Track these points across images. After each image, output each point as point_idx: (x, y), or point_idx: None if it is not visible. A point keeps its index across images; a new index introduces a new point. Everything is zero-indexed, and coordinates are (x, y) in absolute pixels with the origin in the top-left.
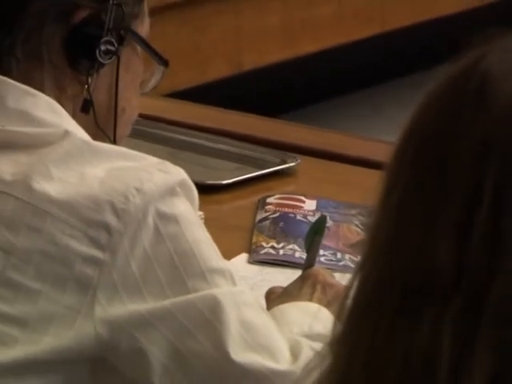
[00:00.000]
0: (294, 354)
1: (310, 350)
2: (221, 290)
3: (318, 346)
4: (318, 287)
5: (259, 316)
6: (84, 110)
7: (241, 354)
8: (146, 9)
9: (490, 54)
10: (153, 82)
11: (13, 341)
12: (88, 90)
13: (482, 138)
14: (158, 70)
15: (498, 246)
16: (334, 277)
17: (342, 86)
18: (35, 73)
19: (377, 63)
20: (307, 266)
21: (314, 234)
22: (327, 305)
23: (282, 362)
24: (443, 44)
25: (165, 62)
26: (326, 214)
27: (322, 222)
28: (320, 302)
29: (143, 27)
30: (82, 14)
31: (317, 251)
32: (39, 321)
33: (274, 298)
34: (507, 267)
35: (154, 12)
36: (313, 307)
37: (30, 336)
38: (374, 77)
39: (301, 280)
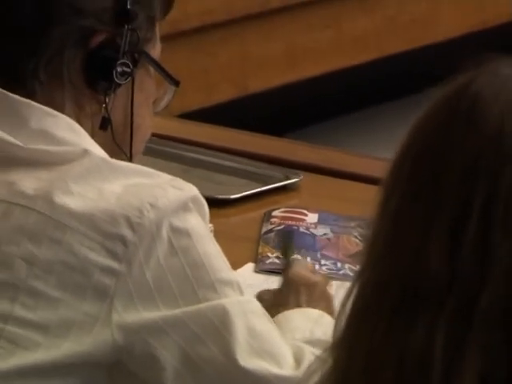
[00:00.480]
0: (297, 359)
1: (311, 355)
2: (229, 300)
3: (319, 351)
4: (302, 289)
5: (265, 324)
6: (103, 128)
7: (248, 361)
8: (157, 33)
9: (481, 77)
10: (165, 101)
11: (35, 345)
12: (106, 108)
13: (473, 155)
14: (170, 89)
15: (487, 256)
16: (313, 269)
17: (342, 107)
18: (57, 93)
19: (373, 86)
20: (286, 268)
21: (288, 243)
22: (316, 304)
23: (286, 368)
24: (436, 68)
25: (176, 82)
26: (327, 226)
27: (290, 234)
28: (309, 305)
29: (155, 50)
30: (99, 39)
31: (292, 255)
32: (60, 327)
33: (265, 306)
34: (495, 277)
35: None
36: (314, 313)
37: (51, 341)
38: (371, 98)
39: (285, 287)
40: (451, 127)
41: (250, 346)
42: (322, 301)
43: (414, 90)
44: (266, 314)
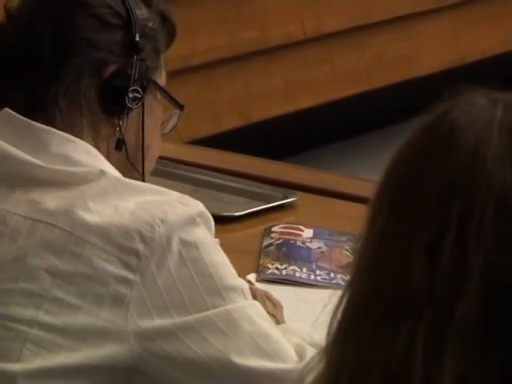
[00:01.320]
0: (300, 355)
1: (312, 351)
2: (235, 306)
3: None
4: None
5: (267, 325)
6: (118, 148)
7: (253, 360)
8: (162, 63)
9: (457, 106)
10: (171, 124)
11: (58, 348)
12: (120, 131)
13: (449, 177)
14: (176, 113)
15: (462, 272)
16: (269, 296)
17: (335, 135)
18: (75, 118)
19: (363, 116)
20: None
21: None
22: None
23: (290, 362)
24: (418, 99)
25: (180, 107)
26: (321, 240)
27: None
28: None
29: (161, 78)
30: (111, 69)
31: None
32: (80, 331)
33: None
34: (470, 290)
35: (178, 73)
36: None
37: (72, 344)
38: (360, 127)
39: None
40: (430, 153)
41: (256, 347)
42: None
43: (399, 119)
44: (268, 315)
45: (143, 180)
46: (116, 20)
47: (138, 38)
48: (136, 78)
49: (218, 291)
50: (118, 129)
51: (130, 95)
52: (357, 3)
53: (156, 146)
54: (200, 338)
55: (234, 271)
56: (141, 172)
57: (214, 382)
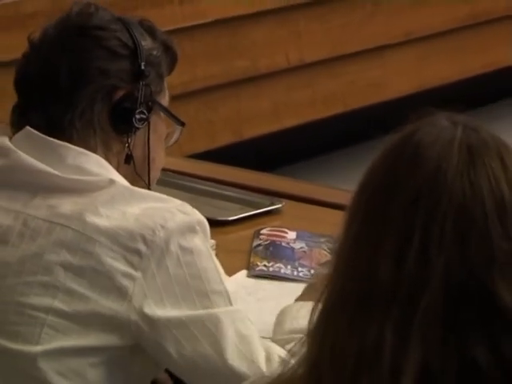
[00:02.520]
0: (267, 357)
1: (277, 354)
2: (222, 310)
3: (286, 346)
4: None
5: (248, 329)
6: (127, 162)
7: (235, 360)
8: (166, 86)
9: (422, 127)
10: (174, 138)
11: (71, 331)
12: (129, 147)
13: (415, 190)
14: (178, 129)
15: (425, 269)
16: None
17: (316, 151)
18: (89, 137)
19: (340, 134)
20: None
21: None
22: None
23: (260, 364)
24: (388, 120)
25: (182, 123)
26: (303, 241)
27: None
28: None
29: (165, 99)
30: (120, 93)
31: None
32: (90, 318)
33: None
34: (432, 288)
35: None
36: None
37: (82, 328)
38: (338, 144)
39: None
40: (398, 169)
41: (237, 348)
42: None
43: (371, 137)
44: (249, 319)
45: (149, 188)
46: (124, 51)
47: (143, 67)
48: (142, 101)
49: (206, 293)
50: (126, 145)
51: (137, 116)
52: (333, 37)
53: (160, 158)
54: (189, 333)
55: (222, 276)
56: (146, 182)
57: (196, 372)
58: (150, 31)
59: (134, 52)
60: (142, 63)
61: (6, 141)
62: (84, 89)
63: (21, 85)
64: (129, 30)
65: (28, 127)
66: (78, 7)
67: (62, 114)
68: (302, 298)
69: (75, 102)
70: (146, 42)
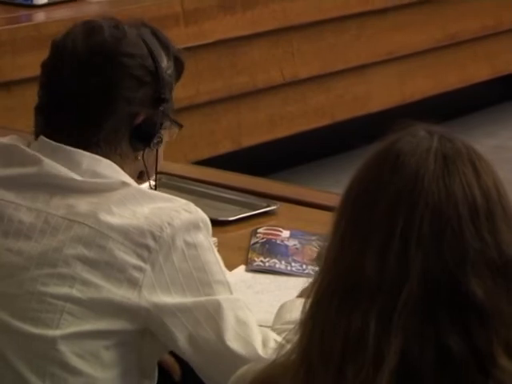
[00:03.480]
0: (264, 342)
1: (273, 339)
2: (223, 297)
3: (278, 331)
4: None
5: (246, 315)
6: (140, 178)
7: (233, 342)
8: (173, 99)
9: (402, 137)
10: (172, 137)
11: (87, 317)
12: (144, 163)
13: (396, 194)
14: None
15: (405, 265)
16: None
17: (307, 158)
18: (110, 153)
19: (329, 143)
20: None
21: None
22: None
23: (257, 348)
24: (372, 130)
25: (180, 126)
26: (296, 239)
27: None
28: None
29: (172, 107)
30: (141, 118)
31: None
32: (104, 305)
33: None
34: (411, 282)
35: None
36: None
37: (97, 315)
38: (328, 152)
39: None
40: (381, 175)
41: (236, 332)
42: None
43: (357, 146)
44: (247, 307)
45: (155, 189)
46: (148, 78)
47: (163, 95)
48: (160, 125)
49: (209, 283)
50: (141, 158)
51: (155, 140)
52: (323, 56)
53: (162, 160)
54: (193, 318)
55: (223, 268)
56: (153, 186)
57: (200, 354)
58: (164, 45)
59: (156, 78)
60: (161, 91)
61: (25, 147)
62: (111, 115)
63: (50, 93)
64: (152, 54)
65: (42, 137)
66: (108, 25)
67: (89, 137)
68: (302, 294)
69: (101, 129)
70: (164, 62)
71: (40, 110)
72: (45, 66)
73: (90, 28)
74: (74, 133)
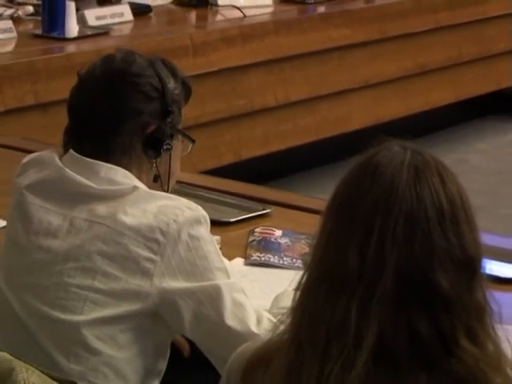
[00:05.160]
0: (258, 321)
1: (267, 319)
2: (222, 282)
3: (274, 315)
4: None
5: (242, 297)
6: (155, 181)
7: (231, 321)
8: (182, 113)
9: (380, 151)
10: (187, 151)
11: (107, 304)
12: (157, 168)
13: (374, 200)
14: (189, 145)
15: (382, 260)
16: None
17: (297, 169)
18: (126, 161)
19: (316, 156)
20: None
21: None
22: None
23: (252, 327)
24: (354, 144)
25: (193, 141)
26: (287, 237)
27: None
28: None
29: (181, 122)
30: (151, 128)
31: None
32: (121, 293)
33: None
34: (386, 276)
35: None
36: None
37: (116, 302)
38: (314, 164)
39: None
40: (361, 183)
41: (233, 312)
42: None
43: (339, 159)
44: (243, 290)
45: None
46: (155, 94)
47: (170, 107)
48: (168, 134)
49: (211, 269)
50: (154, 165)
51: (164, 147)
52: (310, 82)
53: (178, 171)
54: (197, 299)
55: (222, 257)
56: (166, 189)
57: (203, 331)
58: (172, 72)
59: (163, 95)
60: (168, 103)
61: (56, 159)
62: (125, 125)
63: (74, 115)
64: (159, 76)
65: (72, 151)
66: (122, 53)
67: (106, 147)
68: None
69: (118, 137)
70: (171, 84)
71: (67, 129)
72: (70, 93)
73: (106, 57)
74: (94, 145)
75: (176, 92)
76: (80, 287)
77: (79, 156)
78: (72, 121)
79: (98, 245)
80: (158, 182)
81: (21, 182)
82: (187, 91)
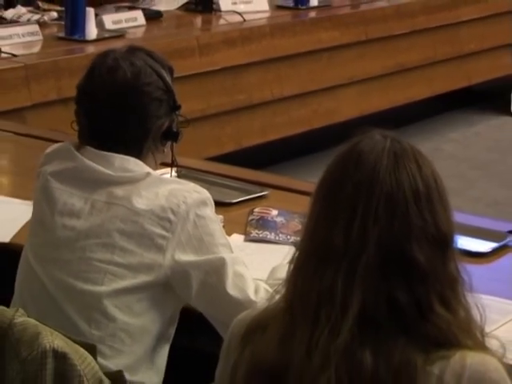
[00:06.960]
0: (256, 290)
1: (264, 288)
2: (226, 255)
3: (270, 285)
4: None
5: (243, 269)
6: (173, 165)
7: (232, 290)
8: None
9: (364, 140)
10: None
11: (125, 276)
12: (172, 154)
13: (358, 183)
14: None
15: (365, 236)
16: None
17: (291, 156)
18: (148, 154)
19: (308, 144)
20: None
21: None
22: None
23: (250, 295)
24: (341, 135)
25: (188, 122)
26: (282, 216)
27: None
28: None
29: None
30: (166, 125)
31: None
32: (137, 266)
33: None
34: (369, 250)
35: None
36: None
37: (133, 274)
38: (306, 151)
39: None
40: (346, 168)
41: (234, 282)
42: None
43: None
44: (244, 263)
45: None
46: (164, 96)
47: (177, 102)
48: (179, 126)
49: (216, 245)
50: (170, 152)
51: (179, 137)
52: (303, 79)
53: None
54: (204, 270)
55: (225, 234)
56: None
57: (208, 297)
58: (160, 61)
59: (169, 93)
60: (175, 100)
61: (75, 152)
62: (148, 133)
63: (94, 133)
64: (161, 78)
65: (89, 147)
66: (128, 67)
67: (134, 152)
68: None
69: (142, 142)
70: (167, 77)
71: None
72: (84, 109)
73: (109, 69)
74: (122, 149)
75: (169, 82)
76: (101, 261)
77: (97, 151)
78: (93, 135)
79: (117, 223)
80: (175, 164)
81: (45, 170)
82: (171, 71)
